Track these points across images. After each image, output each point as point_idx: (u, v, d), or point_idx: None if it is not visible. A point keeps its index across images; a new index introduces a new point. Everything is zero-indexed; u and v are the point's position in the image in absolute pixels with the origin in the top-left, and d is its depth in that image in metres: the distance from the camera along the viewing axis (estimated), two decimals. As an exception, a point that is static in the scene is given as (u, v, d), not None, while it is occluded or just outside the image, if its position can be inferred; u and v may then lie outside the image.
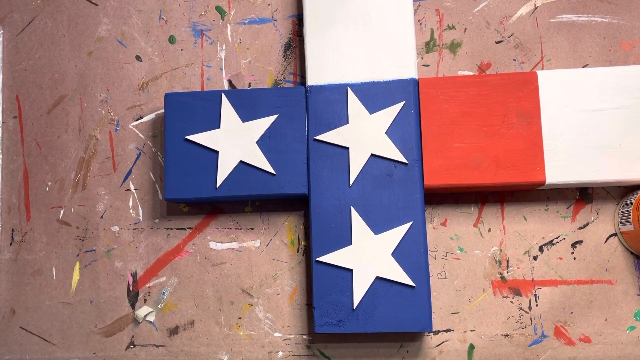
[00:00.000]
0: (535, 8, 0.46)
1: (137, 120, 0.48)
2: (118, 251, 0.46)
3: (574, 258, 0.43)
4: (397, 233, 0.41)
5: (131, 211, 0.47)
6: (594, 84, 0.41)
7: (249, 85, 0.48)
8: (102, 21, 0.50)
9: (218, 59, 0.48)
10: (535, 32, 0.45)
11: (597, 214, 0.43)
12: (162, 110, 0.46)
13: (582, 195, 0.43)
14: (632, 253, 0.42)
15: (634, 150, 0.40)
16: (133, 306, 0.46)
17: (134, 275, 0.46)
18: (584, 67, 0.45)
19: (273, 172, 0.43)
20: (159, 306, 0.45)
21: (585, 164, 0.40)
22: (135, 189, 0.47)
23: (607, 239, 0.43)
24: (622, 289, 0.42)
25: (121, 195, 0.47)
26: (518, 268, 0.43)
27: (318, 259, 0.41)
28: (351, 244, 0.41)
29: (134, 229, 0.47)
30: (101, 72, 0.49)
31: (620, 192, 0.43)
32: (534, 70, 0.45)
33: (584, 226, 0.43)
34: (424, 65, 0.46)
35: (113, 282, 0.46)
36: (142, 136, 0.48)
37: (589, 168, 0.40)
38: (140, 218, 0.47)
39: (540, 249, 0.43)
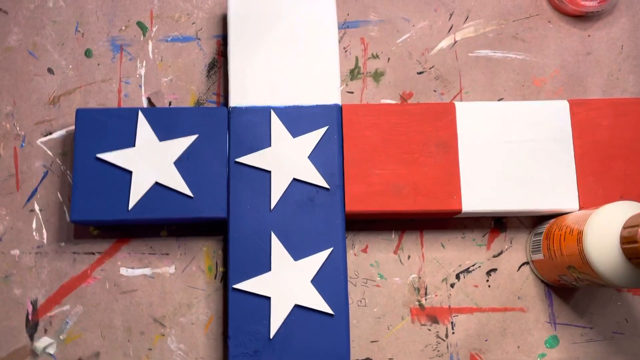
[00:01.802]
0: (455, 42, 0.47)
1: (45, 136, 0.45)
2: (17, 277, 0.43)
3: (489, 286, 0.44)
4: (317, 259, 0.40)
5: (34, 234, 0.44)
6: (508, 117, 0.43)
7: (170, 104, 0.46)
8: (12, 30, 0.47)
9: (137, 76, 0.46)
10: (454, 65, 0.47)
11: (511, 242, 0.44)
12: (74, 127, 0.43)
13: (496, 224, 0.45)
14: (542, 281, 0.44)
15: (544, 181, 0.42)
16: (32, 337, 0.42)
17: (34, 303, 0.42)
18: (499, 100, 0.46)
19: (191, 194, 0.41)
20: (61, 337, 0.42)
21: (499, 193, 0.42)
22: (40, 210, 0.44)
23: (520, 267, 0.44)
24: (534, 317, 0.43)
25: (24, 216, 0.44)
26: (436, 296, 0.43)
27: (235, 286, 0.40)
28: (270, 270, 0.40)
29: (36, 253, 0.43)
30: (8, 84, 0.46)
31: (532, 221, 0.45)
32: (452, 101, 0.46)
33: (498, 254, 0.44)
34: (348, 92, 0.47)
35: (10, 310, 0.42)
36: (51, 153, 0.45)
37: (502, 198, 0.41)
38: (45, 241, 0.43)
39: (457, 276, 0.44)
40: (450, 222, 0.44)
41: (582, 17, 0.48)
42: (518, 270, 0.44)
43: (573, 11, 0.47)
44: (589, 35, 0.48)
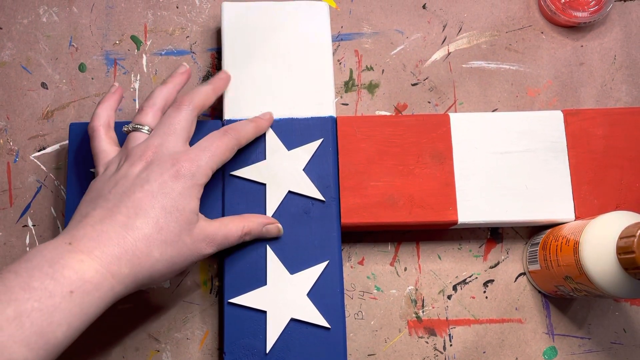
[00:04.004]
0: (449, 53, 0.48)
1: (39, 151, 0.45)
2: (10, 293, 0.42)
3: (486, 297, 0.43)
4: (313, 272, 0.40)
5: (28, 249, 0.43)
6: (503, 128, 0.43)
7: (164, 118, 0.46)
8: (5, 45, 0.47)
9: (132, 90, 0.46)
10: (448, 77, 0.47)
11: (507, 253, 0.44)
12: (67, 142, 0.43)
13: (493, 234, 0.45)
14: (539, 292, 0.44)
15: (540, 192, 0.42)
16: (25, 354, 0.41)
17: (27, 319, 0.42)
18: (493, 111, 0.47)
19: (185, 208, 0.41)
20: (55, 354, 0.41)
21: (494, 204, 0.41)
22: (34, 225, 0.44)
23: (517, 278, 0.44)
24: (531, 328, 0.43)
25: (17, 231, 0.43)
26: (433, 307, 0.43)
27: (230, 300, 0.39)
28: (266, 284, 0.40)
29: (30, 269, 0.43)
30: (1, 99, 0.46)
31: (528, 232, 0.45)
32: (447, 112, 0.46)
33: (495, 265, 0.44)
34: (343, 104, 0.47)
35: (3, 327, 0.42)
36: (44, 168, 0.45)
37: (498, 208, 0.41)
38: (38, 257, 0.43)
39: (454, 288, 0.43)
40: (446, 233, 0.44)
41: (574, 28, 0.48)
42: (515, 281, 0.44)
43: (565, 22, 0.48)
44: (581, 46, 0.48)
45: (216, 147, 0.37)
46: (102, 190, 0.35)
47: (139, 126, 0.38)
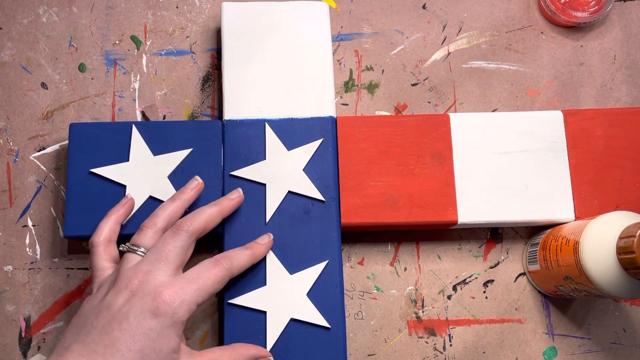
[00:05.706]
0: (449, 53, 0.48)
1: (39, 151, 0.45)
2: (10, 293, 0.42)
3: (486, 297, 0.43)
4: (313, 272, 0.40)
5: (28, 249, 0.43)
6: (502, 128, 0.43)
7: (164, 118, 0.46)
8: (5, 45, 0.47)
9: (131, 90, 0.46)
10: (448, 77, 0.47)
11: (507, 253, 0.44)
12: (67, 142, 0.43)
13: (492, 235, 0.45)
14: (539, 292, 0.44)
15: (540, 192, 0.42)
16: (25, 354, 0.42)
17: (27, 320, 0.42)
18: (493, 111, 0.47)
19: (185, 208, 0.41)
20: (55, 354, 0.42)
21: (494, 204, 0.41)
22: (34, 225, 0.44)
23: (517, 278, 0.44)
24: (531, 328, 0.43)
25: (17, 231, 0.43)
26: (433, 307, 0.43)
27: (230, 301, 0.39)
28: (265, 284, 0.40)
29: (29, 269, 0.43)
30: (1, 99, 0.46)
31: (528, 232, 0.45)
32: (447, 112, 0.46)
33: (495, 265, 0.44)
34: (343, 104, 0.47)
35: (3, 328, 0.42)
36: (44, 168, 0.45)
37: (498, 208, 0.41)
38: (38, 257, 0.43)
39: (454, 288, 0.43)
40: (446, 233, 0.44)
41: (574, 28, 0.48)
42: (515, 281, 0.44)
43: (565, 22, 0.48)
44: (581, 46, 0.48)
45: (204, 279, 0.35)
46: (87, 318, 0.34)
47: (134, 247, 0.36)
